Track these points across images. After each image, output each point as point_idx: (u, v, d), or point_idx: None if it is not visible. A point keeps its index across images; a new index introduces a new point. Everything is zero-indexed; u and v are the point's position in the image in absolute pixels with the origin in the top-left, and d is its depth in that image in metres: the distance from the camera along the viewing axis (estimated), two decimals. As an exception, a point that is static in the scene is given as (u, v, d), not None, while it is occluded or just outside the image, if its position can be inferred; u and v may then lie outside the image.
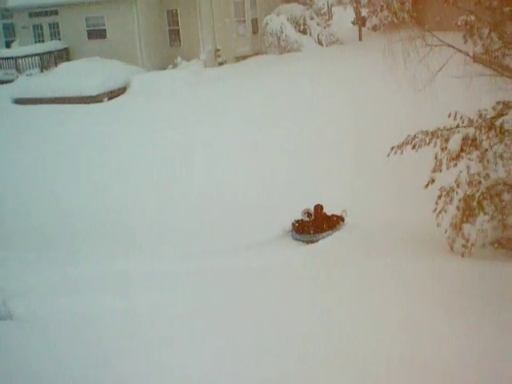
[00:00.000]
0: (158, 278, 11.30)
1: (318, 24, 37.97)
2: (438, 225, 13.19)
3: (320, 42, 37.45)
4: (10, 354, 6.25)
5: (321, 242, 15.28)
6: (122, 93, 29.86)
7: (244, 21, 36.46)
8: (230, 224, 16.90)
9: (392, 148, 13.90)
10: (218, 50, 34.60)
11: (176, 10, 33.85)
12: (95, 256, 14.27)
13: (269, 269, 12.62)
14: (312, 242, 15.43)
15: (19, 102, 29.27)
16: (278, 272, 12.24)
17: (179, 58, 32.95)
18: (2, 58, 32.84)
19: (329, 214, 16.17)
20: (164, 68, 33.09)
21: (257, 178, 19.87)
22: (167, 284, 10.77)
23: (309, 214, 16.00)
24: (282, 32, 35.64)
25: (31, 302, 8.77)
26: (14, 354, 6.44)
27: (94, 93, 28.84)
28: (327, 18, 41.78)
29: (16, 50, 34.20)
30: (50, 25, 34.44)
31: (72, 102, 28.26)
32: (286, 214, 16.32)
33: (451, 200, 13.21)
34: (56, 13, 34.09)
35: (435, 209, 13.28)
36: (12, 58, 32.52)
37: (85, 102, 28.30)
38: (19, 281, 9.79)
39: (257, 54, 36.05)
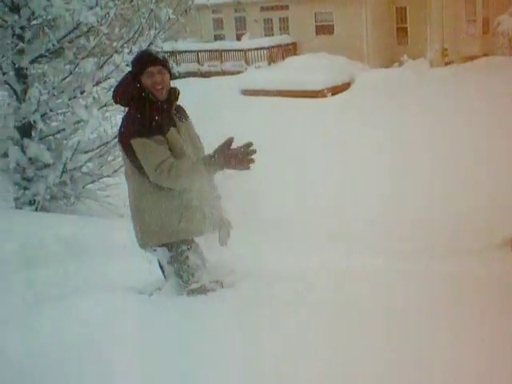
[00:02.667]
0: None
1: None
2: None
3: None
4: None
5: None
6: (346, 89, 29.92)
7: (474, 20, 35.16)
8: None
9: None
10: (446, 49, 33.62)
11: (405, 8, 33.35)
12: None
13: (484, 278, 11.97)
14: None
15: (246, 92, 30.35)
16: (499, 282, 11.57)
17: (405, 57, 32.46)
18: (233, 50, 34.30)
19: None
20: (389, 66, 32.72)
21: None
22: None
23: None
24: (515, 33, 34.01)
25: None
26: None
27: (318, 87, 29.14)
28: None
29: (246, 42, 35.56)
30: (279, 19, 35.40)
31: (296, 96, 28.74)
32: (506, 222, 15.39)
33: None
34: (286, 7, 34.95)
35: None
36: (242, 50, 33.90)
37: (308, 96, 28.68)
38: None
39: (486, 54, 34.62)
